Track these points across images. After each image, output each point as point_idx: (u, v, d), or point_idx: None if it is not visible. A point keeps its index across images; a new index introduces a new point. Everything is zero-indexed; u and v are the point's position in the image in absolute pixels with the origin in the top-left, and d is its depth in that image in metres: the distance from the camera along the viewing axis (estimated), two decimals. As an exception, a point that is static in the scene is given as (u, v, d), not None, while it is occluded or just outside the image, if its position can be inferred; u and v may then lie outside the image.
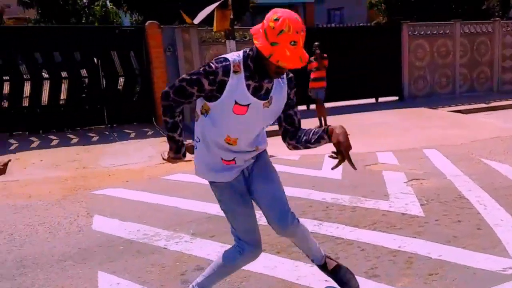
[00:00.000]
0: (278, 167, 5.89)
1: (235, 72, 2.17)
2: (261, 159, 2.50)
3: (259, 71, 2.19)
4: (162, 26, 9.92)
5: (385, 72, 11.99)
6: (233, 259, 2.53)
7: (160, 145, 8.40)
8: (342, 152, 2.18)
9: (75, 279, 3.38)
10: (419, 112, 10.91)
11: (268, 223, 2.51)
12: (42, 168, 7.36)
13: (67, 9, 15.73)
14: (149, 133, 9.57)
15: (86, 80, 9.78)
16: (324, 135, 2.26)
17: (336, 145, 2.19)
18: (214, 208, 4.64)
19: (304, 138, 2.36)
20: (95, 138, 9.21)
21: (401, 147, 7.26)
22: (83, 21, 14.84)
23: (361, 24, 12.40)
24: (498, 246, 3.47)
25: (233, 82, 2.17)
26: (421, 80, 12.42)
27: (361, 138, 8.11)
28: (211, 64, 2.18)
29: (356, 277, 3.07)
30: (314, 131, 2.35)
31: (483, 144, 7.33)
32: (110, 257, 3.72)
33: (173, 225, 4.31)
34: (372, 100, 12.31)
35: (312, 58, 9.07)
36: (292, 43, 2.05)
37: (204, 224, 4.32)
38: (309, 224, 4.05)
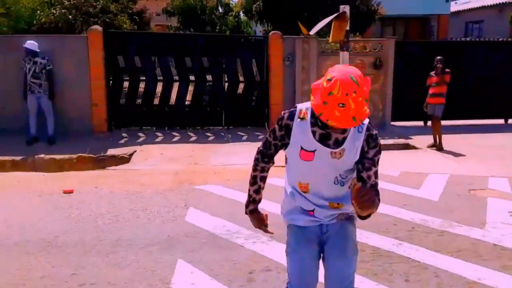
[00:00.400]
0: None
1: (302, 118, 2.24)
2: (344, 228, 2.41)
3: (320, 121, 2.23)
4: (284, 36, 10.25)
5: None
6: None
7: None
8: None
9: (157, 262, 3.74)
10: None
11: None
12: (160, 160, 8.11)
13: (203, 19, 16.97)
14: (260, 137, 9.93)
15: (210, 84, 10.51)
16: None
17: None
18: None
19: None
20: (211, 138, 9.84)
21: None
22: (216, 30, 15.89)
23: (500, 39, 11.31)
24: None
25: (297, 127, 2.24)
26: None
27: (474, 160, 7.50)
28: (282, 113, 2.32)
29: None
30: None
31: None
32: (192, 248, 4.03)
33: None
34: (500, 121, 11.22)
35: (432, 73, 8.65)
36: (341, 105, 2.01)
37: (283, 229, 4.41)
38: (387, 243, 3.94)
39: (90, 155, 8.25)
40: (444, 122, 10.00)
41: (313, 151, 2.23)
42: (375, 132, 2.25)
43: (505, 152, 8.29)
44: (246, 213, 2.55)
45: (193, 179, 6.64)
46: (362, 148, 2.23)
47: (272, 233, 2.58)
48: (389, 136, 9.89)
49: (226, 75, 10.40)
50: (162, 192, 5.86)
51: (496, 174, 6.52)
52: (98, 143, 8.80)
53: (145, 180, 6.56)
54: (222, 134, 10.19)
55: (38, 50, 8.44)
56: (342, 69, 2.08)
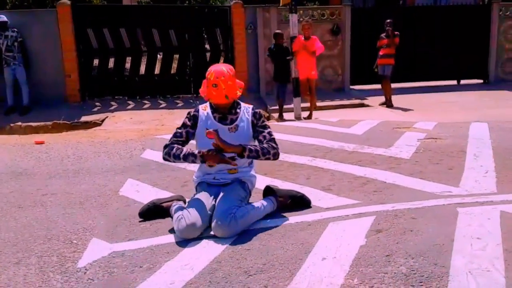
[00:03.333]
0: (316, 125, 6.45)
1: (204, 110, 3.28)
2: (233, 185, 3.20)
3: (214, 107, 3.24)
4: (245, 5, 10.88)
5: (470, 54, 11.64)
6: None
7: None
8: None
9: (110, 181, 4.46)
10: (500, 94, 10.50)
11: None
12: (129, 123, 8.79)
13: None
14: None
15: (177, 55, 11.12)
16: None
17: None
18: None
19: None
20: (180, 104, 10.51)
21: (452, 121, 7.32)
22: (186, 2, 16.38)
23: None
24: (454, 180, 3.82)
25: (202, 115, 3.24)
26: (510, 63, 11.81)
27: (419, 113, 8.29)
28: (188, 111, 3.39)
29: (313, 189, 3.72)
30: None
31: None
32: (141, 172, 4.76)
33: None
34: (454, 82, 12.02)
35: (383, 35, 9.33)
36: (214, 85, 3.08)
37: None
38: (303, 160, 4.70)
39: (64, 121, 8.91)
40: (400, 85, 10.80)
41: (216, 130, 3.06)
42: (258, 110, 3.28)
43: (452, 107, 9.08)
44: (200, 159, 3.16)
45: (155, 133, 7.34)
46: (252, 122, 3.21)
47: (236, 164, 3.17)
48: (346, 98, 10.67)
49: (192, 45, 11.02)
50: (125, 141, 6.55)
51: (428, 121, 7.28)
52: (72, 111, 9.43)
53: (111, 136, 7.26)
54: (191, 101, 10.84)
55: (8, 21, 8.96)
56: (217, 64, 3.28)
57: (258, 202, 3.20)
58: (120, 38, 10.48)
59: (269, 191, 3.36)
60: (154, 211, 3.38)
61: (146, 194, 3.96)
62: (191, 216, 2.95)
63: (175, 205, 3.30)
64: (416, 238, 2.72)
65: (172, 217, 3.23)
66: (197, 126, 3.24)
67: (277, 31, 8.53)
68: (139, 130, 7.74)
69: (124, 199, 3.86)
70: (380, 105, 9.74)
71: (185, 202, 3.45)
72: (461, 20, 11.56)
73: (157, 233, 3.10)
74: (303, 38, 8.10)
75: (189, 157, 3.14)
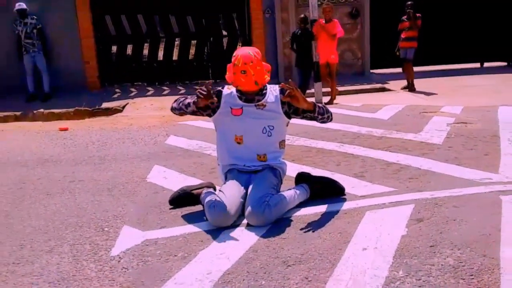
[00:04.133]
0: (339, 110, 6.37)
1: (228, 89, 3.15)
2: (264, 173, 3.10)
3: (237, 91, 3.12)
4: (263, -11, 10.70)
5: (494, 36, 11.32)
6: None
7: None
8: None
9: (136, 168, 4.42)
10: (526, 78, 10.21)
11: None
12: (150, 109, 8.75)
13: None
14: (245, 88, 10.52)
15: (195, 41, 11.03)
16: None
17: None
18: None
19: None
20: (200, 90, 10.44)
21: (478, 105, 7.14)
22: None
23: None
24: (492, 166, 3.69)
25: (225, 93, 3.12)
26: (537, 45, 11.46)
27: (443, 97, 8.09)
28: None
29: (345, 176, 3.63)
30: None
31: None
32: (167, 158, 4.71)
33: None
34: (477, 65, 11.72)
35: (404, 18, 9.09)
36: (243, 72, 2.95)
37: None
38: (331, 145, 4.60)
39: (85, 108, 8.89)
40: (421, 68, 10.54)
41: (241, 107, 3.05)
42: (285, 89, 3.01)
43: (476, 90, 8.84)
44: (196, 103, 3.11)
45: (177, 119, 7.28)
46: (281, 100, 3.06)
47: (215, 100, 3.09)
48: (367, 82, 10.47)
49: (210, 31, 10.91)
50: (148, 127, 6.52)
51: (454, 105, 7.12)
52: (93, 98, 9.41)
53: (133, 122, 7.22)
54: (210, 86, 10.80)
55: (27, 8, 8.93)
56: (243, 48, 3.12)
57: (291, 189, 3.12)
58: (138, 24, 10.39)
59: (301, 178, 3.27)
60: (185, 199, 3.32)
61: (174, 180, 3.91)
62: (224, 203, 2.88)
63: (206, 192, 3.24)
64: (461, 228, 2.62)
65: (203, 205, 3.17)
66: (220, 103, 3.12)
67: (302, 15, 8.32)
68: (161, 117, 7.69)
69: (152, 186, 3.82)
70: (402, 89, 9.53)
71: (215, 189, 3.39)
72: (485, 1, 11.20)
73: (189, 221, 3.05)
74: (323, 21, 7.92)
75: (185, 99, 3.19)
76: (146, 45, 10.83)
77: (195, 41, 10.99)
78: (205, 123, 6.52)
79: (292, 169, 3.58)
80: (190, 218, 3.08)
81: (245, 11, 10.72)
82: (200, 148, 4.99)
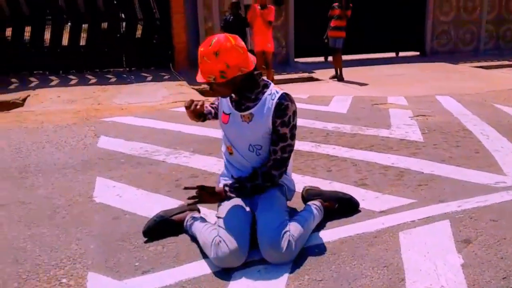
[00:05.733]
0: None
1: None
2: (269, 193, 2.45)
3: None
4: (181, -31, 9.79)
5: (407, 27, 11.64)
6: None
7: (174, 88, 8.47)
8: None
9: (73, 182, 3.50)
10: (439, 66, 10.61)
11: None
12: (58, 102, 7.49)
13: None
14: (166, 77, 9.58)
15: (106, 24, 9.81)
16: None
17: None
18: (217, 132, 4.71)
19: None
20: (112, 80, 9.29)
21: (414, 94, 7.12)
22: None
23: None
24: (493, 166, 3.44)
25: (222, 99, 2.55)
26: (445, 35, 12.02)
27: (373, 86, 7.99)
28: None
29: (345, 185, 3.11)
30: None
31: (499, 93, 7.10)
32: (110, 167, 3.83)
33: (174, 144, 4.39)
34: (392, 55, 12.01)
35: (335, 5, 8.78)
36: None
37: (204, 144, 4.39)
38: (307, 146, 4.07)
39: (-26, 102, 7.39)
40: (344, 57, 10.42)
41: (229, 114, 2.45)
42: (286, 103, 2.32)
43: (402, 80, 8.89)
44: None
45: (99, 115, 6.26)
46: (272, 116, 2.32)
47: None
48: (294, 71, 10.13)
49: (123, 14, 9.77)
50: (67, 126, 5.45)
51: (393, 95, 7.00)
52: (-19, 89, 7.89)
53: (44, 119, 6.04)
54: (125, 75, 9.67)
55: None
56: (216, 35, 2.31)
57: (304, 211, 2.53)
58: (38, 3, 8.95)
59: (311, 195, 2.70)
60: (164, 227, 2.57)
61: (133, 200, 3.10)
62: (234, 238, 2.20)
63: (193, 218, 2.53)
64: None
65: (189, 234, 2.47)
66: (218, 106, 2.64)
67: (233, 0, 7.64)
68: (76, 111, 6.57)
69: (107, 209, 2.98)
70: (330, 78, 9.33)
71: (199, 211, 2.69)
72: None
73: (179, 260, 2.32)
74: (259, 7, 7.34)
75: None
76: (48, 28, 9.39)
77: (106, 24, 9.78)
78: (140, 119, 5.64)
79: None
80: (179, 255, 2.36)
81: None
82: (147, 153, 4.17)
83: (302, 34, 10.55)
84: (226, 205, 2.42)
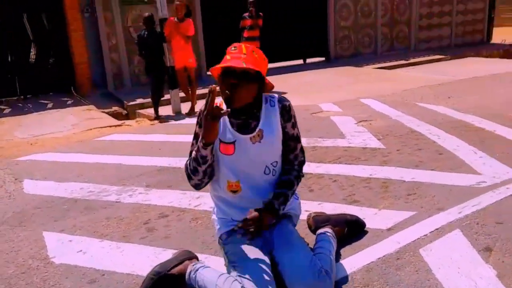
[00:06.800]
0: None
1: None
2: (283, 227, 2.21)
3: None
4: (77, -15, 9.04)
5: (313, 33, 11.97)
6: None
7: (82, 114, 7.75)
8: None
9: (15, 242, 2.90)
10: (346, 70, 11.02)
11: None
12: None
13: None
14: (69, 102, 8.76)
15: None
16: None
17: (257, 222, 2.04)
18: (164, 160, 4.29)
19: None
20: (7, 111, 8.27)
21: (338, 99, 7.25)
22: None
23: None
24: (464, 166, 3.50)
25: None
26: (346, 40, 12.58)
27: (295, 95, 8.01)
28: (199, 109, 2.07)
29: (337, 204, 2.94)
30: (279, 187, 2.20)
31: (413, 92, 7.50)
32: (54, 217, 3.25)
33: (120, 180, 3.89)
34: (300, 62, 12.28)
35: (246, 15, 8.68)
36: (233, 48, 2.08)
37: (156, 176, 3.95)
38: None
39: None
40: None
41: (233, 143, 2.11)
42: (287, 103, 2.22)
43: (319, 86, 9.03)
44: (204, 144, 2.01)
45: (7, 154, 5.45)
46: (281, 122, 2.17)
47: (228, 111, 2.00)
48: (204, 86, 9.84)
49: (11, 35, 8.73)
50: (-25, 172, 4.62)
51: (320, 102, 7.04)
52: None
53: None
54: (20, 104, 8.68)
55: None
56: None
57: (322, 241, 2.29)
58: None
59: (318, 221, 2.47)
60: (163, 285, 2.17)
61: (103, 255, 2.62)
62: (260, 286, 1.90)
63: (195, 267, 2.17)
64: None
65: (192, 287, 2.11)
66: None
67: (147, 14, 7.13)
68: (-25, 153, 5.66)
69: (75, 271, 2.47)
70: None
71: (197, 259, 2.32)
72: (303, 4, 11.71)
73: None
74: (175, 20, 6.97)
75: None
76: None
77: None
78: (60, 154, 4.98)
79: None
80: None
81: (58, 10, 8.91)
82: (93, 194, 3.63)
83: (213, 46, 10.32)
84: (238, 250, 2.10)
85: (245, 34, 8.73)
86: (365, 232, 2.56)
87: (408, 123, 5.01)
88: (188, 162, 2.13)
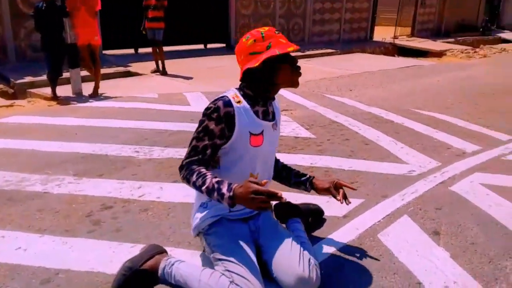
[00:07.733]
0: (141, 105, 5.49)
1: (238, 102, 2.00)
2: (267, 217, 2.23)
3: (261, 94, 2.05)
4: None
5: (213, 19, 11.89)
6: None
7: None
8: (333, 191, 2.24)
9: None
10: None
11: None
12: None
13: None
14: None
15: None
16: (308, 187, 2.33)
17: (326, 192, 2.27)
18: (86, 147, 3.97)
19: (284, 174, 2.40)
20: None
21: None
22: None
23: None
24: (391, 156, 3.80)
25: (239, 112, 1.97)
26: (246, 28, 12.67)
27: (203, 81, 7.98)
28: (209, 106, 1.99)
29: (291, 193, 2.99)
30: (296, 173, 2.40)
31: (316, 83, 7.88)
32: (-27, 211, 2.83)
33: (40, 168, 3.51)
34: (201, 46, 12.13)
35: (150, -6, 8.30)
36: (276, 32, 2.04)
37: (81, 164, 3.64)
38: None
39: None
40: (146, 49, 9.98)
41: (261, 133, 2.05)
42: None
43: (223, 71, 9.00)
44: (231, 199, 1.81)
45: None
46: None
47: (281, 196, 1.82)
48: (106, 65, 9.25)
49: None
50: None
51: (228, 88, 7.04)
52: None
53: None
54: None
55: None
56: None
57: (298, 230, 2.33)
58: None
59: (287, 211, 2.49)
60: (136, 281, 2.03)
61: (50, 251, 2.36)
62: (252, 282, 1.87)
63: (170, 262, 2.07)
64: (484, 233, 2.54)
65: (169, 283, 2.04)
66: (234, 131, 1.97)
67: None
68: None
69: (22, 271, 2.19)
70: (152, 72, 8.88)
71: (167, 253, 2.22)
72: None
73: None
74: (80, -6, 6.41)
75: (213, 194, 1.87)
76: None
77: None
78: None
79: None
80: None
81: None
82: (12, 184, 3.22)
83: (108, 24, 9.71)
84: (224, 242, 2.05)
85: (150, 14, 8.39)
86: (324, 220, 2.66)
87: (325, 113, 5.27)
88: (194, 179, 1.90)
